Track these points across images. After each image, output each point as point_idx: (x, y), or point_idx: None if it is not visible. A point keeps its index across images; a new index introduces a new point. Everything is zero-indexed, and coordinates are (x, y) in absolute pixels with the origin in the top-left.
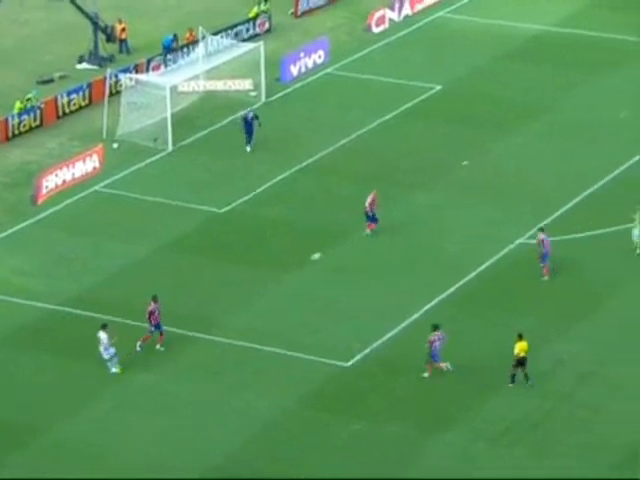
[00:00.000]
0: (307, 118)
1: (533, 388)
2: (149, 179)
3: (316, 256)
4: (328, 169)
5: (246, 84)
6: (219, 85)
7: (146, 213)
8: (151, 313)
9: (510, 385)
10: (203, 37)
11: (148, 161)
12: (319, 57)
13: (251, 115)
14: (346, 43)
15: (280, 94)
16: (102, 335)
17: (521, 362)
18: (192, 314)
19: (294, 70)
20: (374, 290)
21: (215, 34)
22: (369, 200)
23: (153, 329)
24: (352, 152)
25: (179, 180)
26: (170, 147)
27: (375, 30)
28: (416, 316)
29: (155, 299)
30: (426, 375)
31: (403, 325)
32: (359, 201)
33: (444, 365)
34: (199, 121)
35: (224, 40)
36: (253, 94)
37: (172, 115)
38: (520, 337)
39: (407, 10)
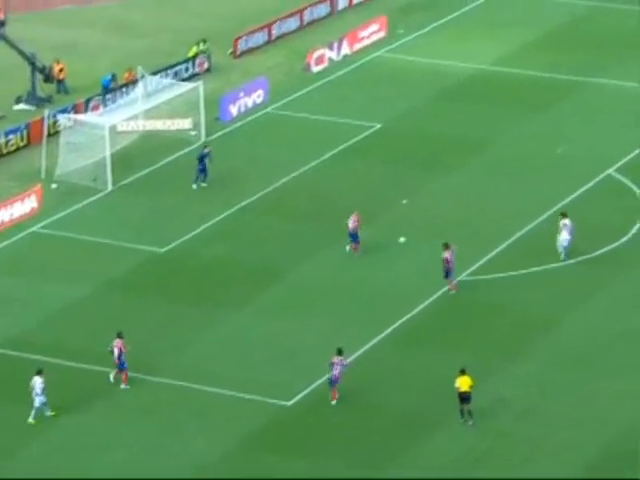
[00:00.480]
0: (247, 157)
1: (473, 426)
2: (88, 219)
3: (402, 239)
4: (269, 208)
5: (185, 123)
6: (158, 124)
7: (86, 254)
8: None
9: (461, 420)
10: (142, 77)
11: (87, 201)
12: (258, 96)
13: (206, 152)
14: (285, 82)
15: (220, 133)
16: (37, 380)
17: (463, 397)
18: (131, 355)
19: (233, 109)
20: (316, 327)
21: (154, 74)
22: (352, 220)
23: (122, 367)
24: (293, 191)
25: (119, 220)
26: (110, 187)
27: (314, 69)
28: (358, 353)
29: (121, 335)
30: (333, 402)
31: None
32: (300, 239)
33: (335, 393)
34: (139, 160)
35: (163, 80)
36: (193, 133)
37: (111, 155)
38: (462, 372)
39: (346, 49)
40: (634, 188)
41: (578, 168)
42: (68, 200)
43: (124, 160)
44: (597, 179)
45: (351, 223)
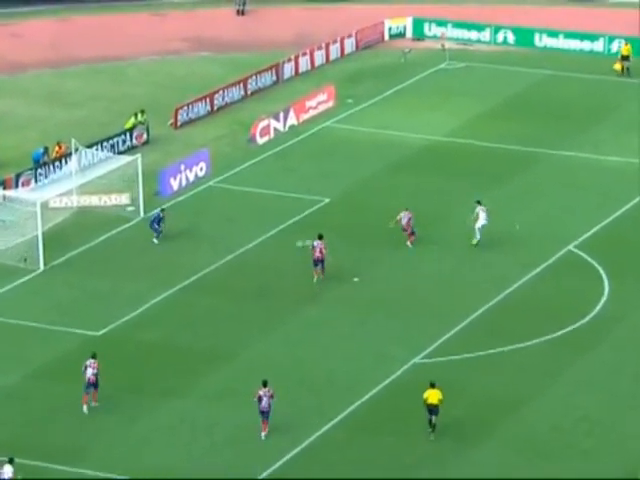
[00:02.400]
0: (188, 234)
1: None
2: (19, 302)
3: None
4: (211, 287)
5: (123, 199)
6: (94, 200)
7: (16, 338)
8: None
9: (429, 431)
10: (76, 150)
11: (17, 282)
12: (200, 169)
13: (160, 215)
14: (229, 154)
15: (159, 209)
16: (7, 470)
17: (431, 410)
18: (60, 445)
19: (174, 183)
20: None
21: (89, 146)
22: (406, 218)
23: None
24: (237, 268)
25: (52, 302)
26: (41, 267)
27: (259, 141)
28: (310, 439)
29: (94, 356)
30: (263, 434)
31: (295, 452)
32: (244, 320)
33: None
34: (72, 239)
35: (99, 153)
36: (130, 209)
37: (43, 233)
38: (432, 386)
39: (292, 120)
40: (595, 265)
41: (537, 244)
42: None
43: (57, 238)
44: (557, 255)
45: (404, 220)
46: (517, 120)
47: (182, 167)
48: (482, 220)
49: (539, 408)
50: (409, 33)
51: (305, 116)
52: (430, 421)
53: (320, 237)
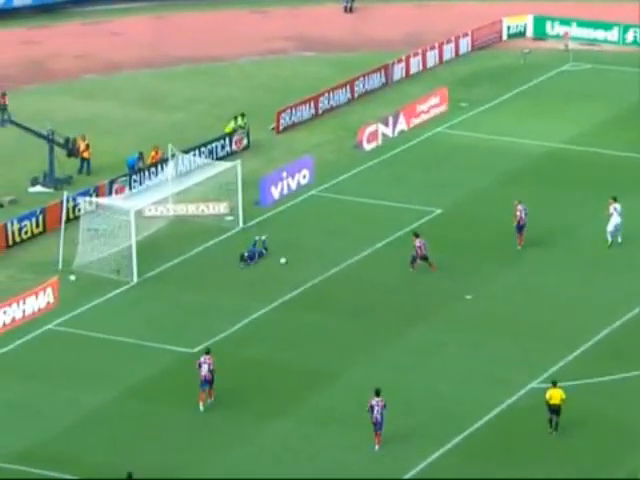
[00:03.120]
0: (289, 246)
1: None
2: (111, 315)
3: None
4: (314, 303)
5: (221, 208)
6: (190, 209)
7: (108, 354)
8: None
9: (549, 430)
10: (173, 155)
11: (109, 295)
12: (303, 177)
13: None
14: (334, 162)
15: (259, 219)
16: None
17: (553, 409)
18: (154, 466)
19: (275, 192)
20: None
21: (186, 152)
22: (519, 210)
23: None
24: (340, 283)
25: (145, 317)
26: (135, 279)
27: (366, 147)
28: (416, 469)
29: (208, 352)
30: (377, 447)
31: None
32: (348, 339)
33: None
34: (168, 249)
35: (196, 158)
36: (229, 219)
37: (137, 243)
38: (554, 384)
39: (402, 125)
40: None
41: None
42: (88, 294)
43: (151, 249)
44: None
45: (518, 214)
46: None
47: (284, 174)
48: (614, 221)
49: None
50: (529, 32)
51: (416, 121)
52: (550, 420)
53: (416, 235)
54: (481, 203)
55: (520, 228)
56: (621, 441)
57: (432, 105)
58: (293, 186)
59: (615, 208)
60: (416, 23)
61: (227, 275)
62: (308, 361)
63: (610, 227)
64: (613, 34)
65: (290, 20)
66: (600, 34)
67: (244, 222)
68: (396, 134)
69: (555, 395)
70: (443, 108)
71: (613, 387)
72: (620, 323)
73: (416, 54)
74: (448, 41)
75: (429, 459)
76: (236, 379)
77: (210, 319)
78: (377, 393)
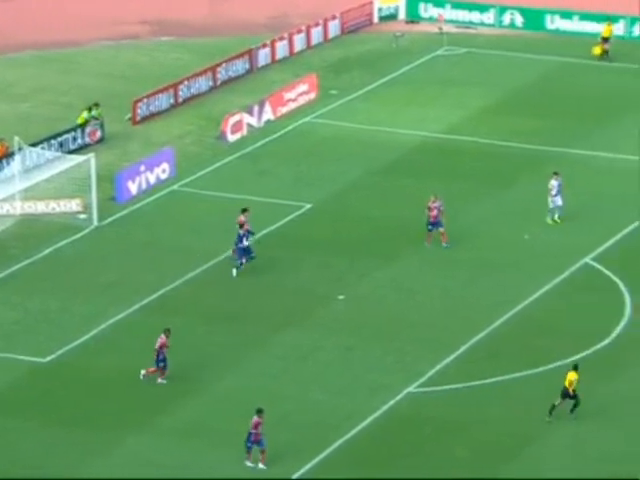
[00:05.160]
0: (149, 245)
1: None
2: None
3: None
4: (176, 307)
5: (73, 205)
6: (40, 207)
7: None
8: (161, 347)
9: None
10: (20, 149)
11: None
12: (163, 171)
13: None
14: (195, 154)
15: (115, 217)
16: None
17: (567, 394)
18: None
19: (132, 187)
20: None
21: (34, 145)
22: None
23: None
24: (205, 285)
25: None
26: None
27: (230, 138)
28: None
29: (167, 333)
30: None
31: None
32: (215, 345)
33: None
34: (14, 251)
35: (46, 152)
36: (82, 217)
37: None
38: (575, 368)
39: (268, 114)
40: (615, 279)
41: (549, 256)
42: None
43: None
44: (572, 269)
45: (435, 212)
46: (526, 114)
47: (142, 168)
48: (553, 196)
49: (548, 447)
50: (402, 15)
51: (283, 110)
52: (554, 406)
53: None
54: (354, 197)
55: (433, 225)
56: (502, 445)
57: (300, 93)
58: (152, 181)
59: (556, 184)
60: (280, 5)
61: (81, 278)
62: (171, 371)
63: (559, 202)
64: (489, 17)
65: (146, 2)
66: (476, 16)
67: (99, 220)
68: (262, 124)
69: (570, 378)
70: (312, 96)
71: (492, 390)
72: (500, 323)
73: (282, 38)
74: (316, 24)
75: (303, 469)
76: (92, 390)
77: (62, 326)
78: (259, 412)
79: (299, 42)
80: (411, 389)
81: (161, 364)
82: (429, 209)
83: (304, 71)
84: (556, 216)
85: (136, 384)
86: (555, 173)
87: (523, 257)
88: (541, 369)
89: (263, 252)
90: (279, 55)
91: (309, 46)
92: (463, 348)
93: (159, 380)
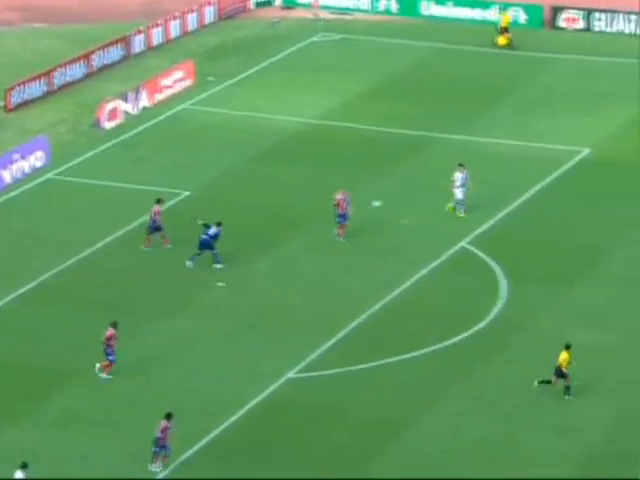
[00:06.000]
0: (23, 234)
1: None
2: None
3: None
4: (51, 297)
5: None
6: None
7: None
8: (108, 339)
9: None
10: None
11: None
12: (37, 159)
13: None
14: (71, 142)
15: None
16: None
17: (560, 373)
18: None
19: (6, 176)
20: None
21: None
22: (339, 199)
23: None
24: (81, 275)
25: None
26: None
27: (106, 126)
28: (167, 472)
29: (114, 325)
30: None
31: None
32: (91, 335)
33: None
34: None
35: None
36: None
37: None
38: (567, 347)
39: (145, 101)
40: (491, 264)
41: (426, 240)
42: None
43: None
44: (448, 253)
45: (343, 204)
46: (402, 100)
47: (16, 157)
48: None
49: (427, 429)
50: (278, 1)
51: (159, 97)
52: (548, 381)
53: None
54: (232, 184)
55: (342, 218)
56: (381, 431)
57: (177, 79)
58: (26, 169)
59: (460, 177)
60: None
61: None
62: (47, 361)
63: (460, 195)
64: (365, 2)
65: None
66: (351, 2)
67: None
68: (138, 111)
69: (565, 357)
70: (189, 83)
71: (371, 374)
72: (378, 308)
73: (158, 24)
74: (192, 10)
75: (181, 458)
76: None
77: None
78: (168, 417)
79: (175, 28)
80: (291, 375)
81: (110, 357)
82: (337, 203)
83: (181, 57)
84: (462, 210)
85: (9, 375)
86: (460, 165)
87: (401, 242)
88: (419, 352)
89: (141, 239)
90: (155, 42)
91: (185, 32)
92: (343, 333)
93: (104, 375)
